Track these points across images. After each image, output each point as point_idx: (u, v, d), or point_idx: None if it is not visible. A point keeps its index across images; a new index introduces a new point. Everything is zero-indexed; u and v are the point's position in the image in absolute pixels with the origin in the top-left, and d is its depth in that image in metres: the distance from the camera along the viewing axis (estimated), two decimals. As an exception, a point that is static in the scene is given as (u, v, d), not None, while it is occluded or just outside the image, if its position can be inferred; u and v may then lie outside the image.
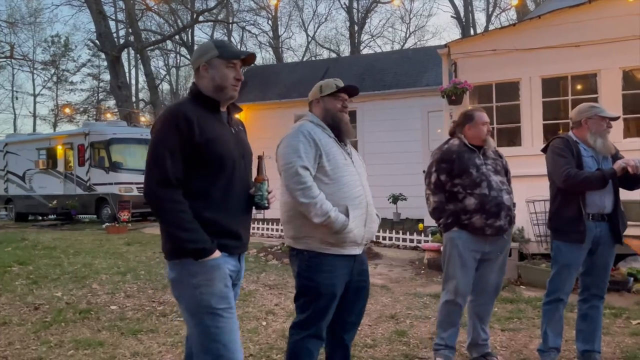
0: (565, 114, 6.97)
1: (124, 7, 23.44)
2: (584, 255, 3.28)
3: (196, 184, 2.06)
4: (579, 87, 7.42)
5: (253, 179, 2.22)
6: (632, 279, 5.56)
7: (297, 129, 2.63)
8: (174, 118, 2.05)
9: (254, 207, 2.24)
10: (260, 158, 2.25)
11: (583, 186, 3.16)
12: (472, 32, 25.83)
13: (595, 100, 6.59)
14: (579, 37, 6.71)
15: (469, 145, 3.31)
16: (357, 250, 2.67)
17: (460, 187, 3.23)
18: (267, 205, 2.21)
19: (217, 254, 2.05)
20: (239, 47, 29.79)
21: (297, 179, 2.48)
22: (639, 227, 4.98)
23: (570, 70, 6.93)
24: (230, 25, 28.33)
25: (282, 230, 9.72)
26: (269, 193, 2.22)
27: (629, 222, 5.62)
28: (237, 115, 2.34)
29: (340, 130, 2.70)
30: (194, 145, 2.03)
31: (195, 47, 29.56)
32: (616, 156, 3.31)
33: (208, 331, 2.04)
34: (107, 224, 12.17)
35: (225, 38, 31.11)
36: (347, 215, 2.54)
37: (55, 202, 15.14)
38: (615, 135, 6.34)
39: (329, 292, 2.58)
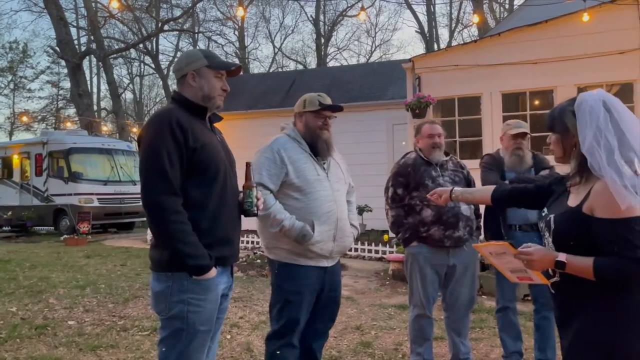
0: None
1: (85, 14, 22.96)
2: None
3: (192, 193, 2.02)
4: (536, 102, 7.70)
5: (242, 186, 2.21)
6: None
7: (270, 145, 2.73)
8: (167, 125, 1.98)
9: (242, 215, 2.22)
10: (248, 165, 2.25)
11: None
12: (435, 47, 26.45)
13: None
14: (537, 55, 6.98)
15: (424, 158, 3.34)
16: (326, 263, 2.73)
17: (418, 200, 3.25)
18: (256, 212, 2.21)
19: (213, 272, 2.01)
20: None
21: None
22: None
23: (528, 86, 7.19)
24: (196, 35, 28.10)
25: (247, 242, 9.68)
26: (257, 200, 2.21)
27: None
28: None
29: (316, 148, 2.76)
30: (190, 153, 1.99)
31: (161, 55, 28.93)
32: (543, 169, 3.48)
33: (182, 350, 2.01)
34: (66, 236, 11.81)
35: (191, 47, 30.85)
36: (312, 229, 2.60)
37: (10, 213, 14.56)
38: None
39: (297, 300, 2.64)
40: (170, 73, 29.74)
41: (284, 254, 2.68)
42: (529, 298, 4.79)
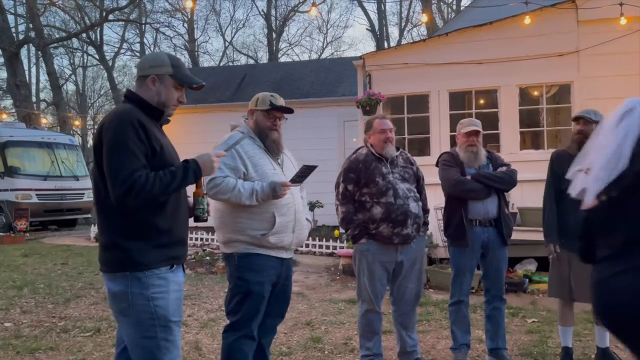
0: (470, 126, 7.42)
1: (24, 1, 21.76)
2: (475, 259, 3.58)
3: None
4: (481, 101, 7.95)
5: (192, 192, 2.23)
6: (527, 280, 6.01)
7: (226, 140, 2.76)
8: (130, 122, 1.96)
9: (194, 220, 2.26)
10: None
11: (470, 193, 3.48)
12: (386, 45, 26.79)
13: (495, 114, 7.11)
14: (482, 55, 7.19)
15: (376, 154, 3.36)
16: (285, 254, 2.79)
17: (368, 197, 3.28)
18: (206, 218, 2.27)
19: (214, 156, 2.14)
20: (152, 49, 28.67)
21: (210, 186, 2.61)
22: (534, 232, 5.40)
23: (474, 86, 7.39)
24: (143, 26, 27.21)
25: (196, 239, 9.50)
26: (208, 206, 2.26)
27: (524, 228, 6.06)
28: None
29: (266, 147, 2.81)
30: (150, 153, 1.99)
31: (106, 46, 27.78)
32: (500, 165, 3.62)
33: (159, 345, 1.98)
34: (1, 233, 11.21)
35: (138, 39, 29.90)
36: (273, 222, 2.65)
37: (-61, 210, 13.65)
38: (512, 147, 6.88)
39: (258, 290, 2.67)
40: (116, 65, 28.77)
41: (243, 246, 2.69)
42: (473, 291, 4.97)
